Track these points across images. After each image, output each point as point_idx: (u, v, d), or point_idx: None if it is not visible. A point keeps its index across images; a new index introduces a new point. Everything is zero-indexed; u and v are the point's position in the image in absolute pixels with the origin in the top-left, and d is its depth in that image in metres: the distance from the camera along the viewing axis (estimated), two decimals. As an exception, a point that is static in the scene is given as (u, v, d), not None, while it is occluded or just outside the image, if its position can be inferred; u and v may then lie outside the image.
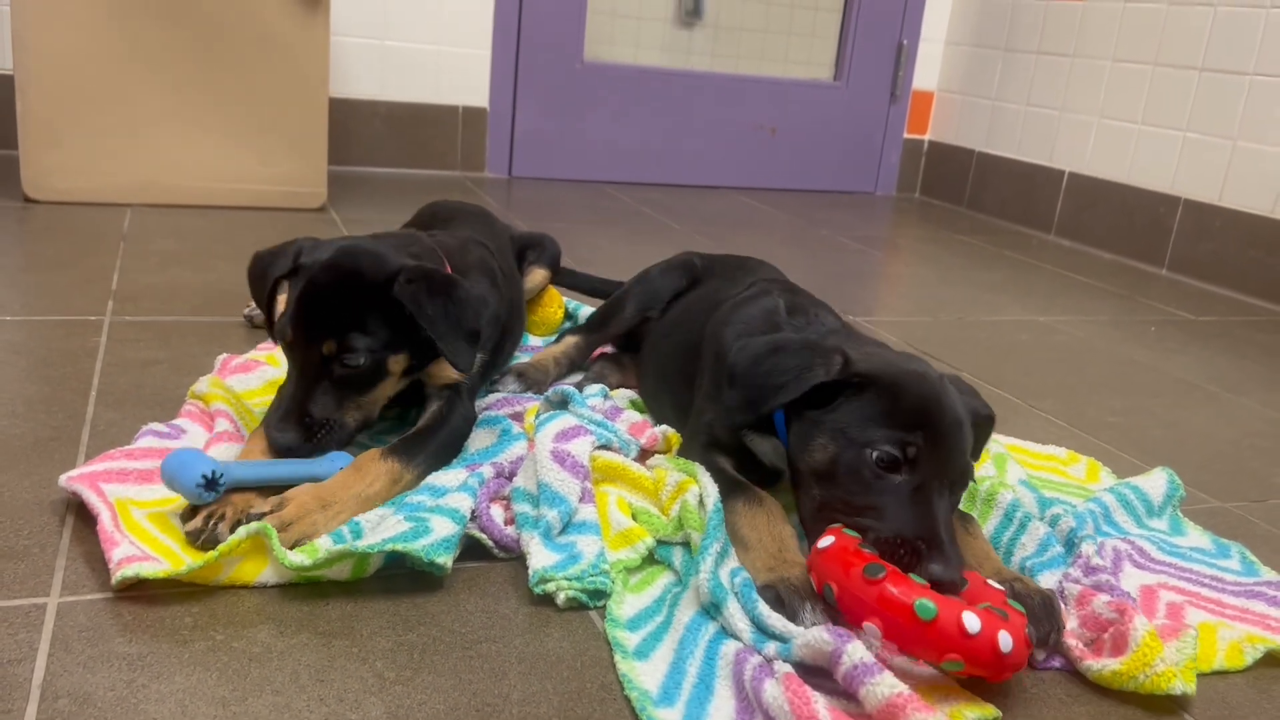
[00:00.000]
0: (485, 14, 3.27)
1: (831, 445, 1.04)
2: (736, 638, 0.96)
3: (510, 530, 1.10)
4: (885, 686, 0.84)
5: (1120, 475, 1.44)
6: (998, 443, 1.44)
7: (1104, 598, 1.02)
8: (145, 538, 1.03)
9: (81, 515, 1.08)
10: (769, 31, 3.73)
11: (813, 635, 0.90)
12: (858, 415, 1.04)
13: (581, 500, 1.14)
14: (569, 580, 1.01)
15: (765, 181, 3.78)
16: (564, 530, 1.09)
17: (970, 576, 0.98)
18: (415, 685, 0.88)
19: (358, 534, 1.04)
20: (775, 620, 0.95)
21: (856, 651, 0.87)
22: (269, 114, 2.57)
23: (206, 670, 0.87)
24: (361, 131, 3.24)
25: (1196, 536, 1.29)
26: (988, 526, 1.19)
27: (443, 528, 1.04)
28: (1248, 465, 1.58)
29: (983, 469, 1.33)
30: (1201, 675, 1.00)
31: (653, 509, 1.15)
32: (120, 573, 0.94)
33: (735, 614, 0.97)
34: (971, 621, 0.87)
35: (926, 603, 0.88)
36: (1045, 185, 3.41)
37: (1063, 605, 1.05)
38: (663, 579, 1.08)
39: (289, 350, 1.22)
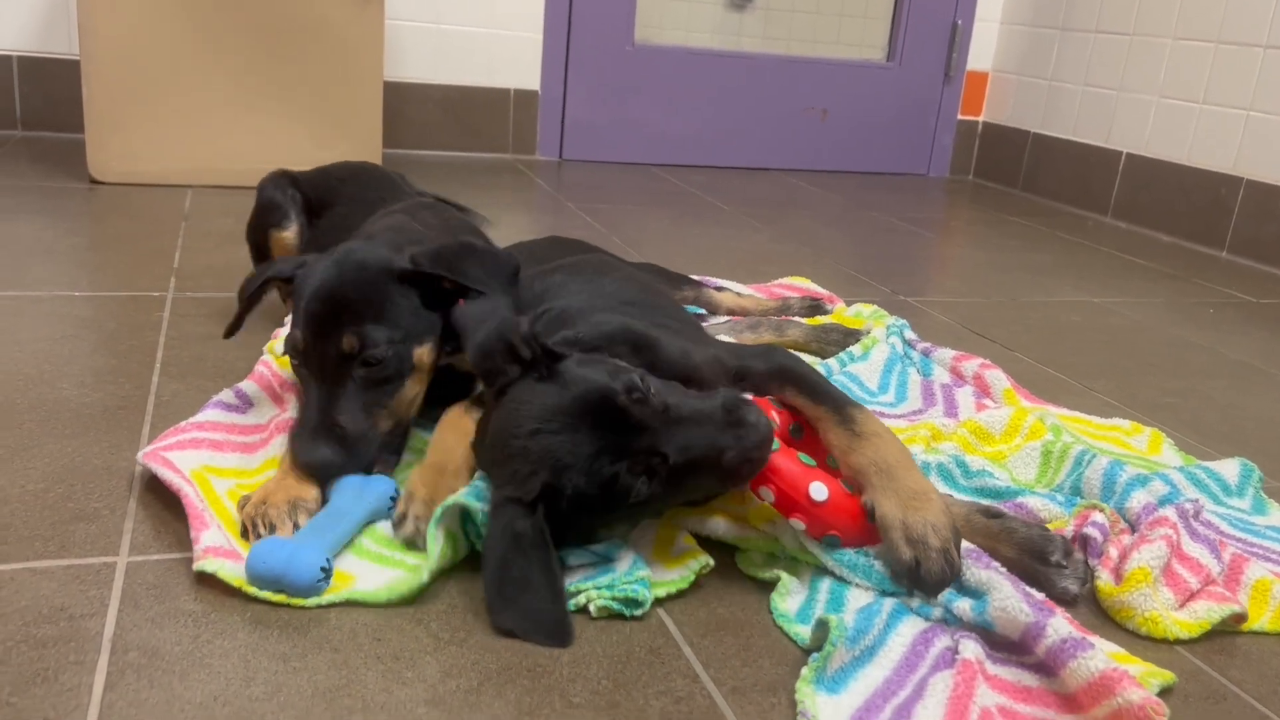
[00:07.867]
0: (537, -3, 3.30)
1: None
2: (918, 609, 0.95)
3: None
4: (1099, 661, 0.82)
5: (1179, 452, 1.42)
6: (1051, 414, 1.43)
7: (1162, 532, 1.04)
8: (228, 520, 1.03)
9: (149, 482, 1.12)
10: (821, 13, 3.70)
11: (1010, 604, 0.88)
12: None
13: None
14: (599, 590, 0.95)
15: (816, 163, 3.75)
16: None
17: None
18: (469, 645, 0.90)
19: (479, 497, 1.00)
20: (969, 573, 0.94)
21: (1062, 627, 0.86)
22: (325, 98, 2.62)
23: (268, 628, 0.90)
24: (415, 115, 3.27)
25: (1278, 516, 1.26)
26: (1061, 475, 1.23)
27: None
28: (1307, 447, 1.55)
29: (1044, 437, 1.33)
30: (1240, 635, 1.02)
31: (750, 534, 1.06)
32: (202, 563, 0.94)
33: None
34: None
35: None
36: (1102, 166, 3.35)
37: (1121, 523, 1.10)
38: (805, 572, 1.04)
39: (304, 360, 1.10)
